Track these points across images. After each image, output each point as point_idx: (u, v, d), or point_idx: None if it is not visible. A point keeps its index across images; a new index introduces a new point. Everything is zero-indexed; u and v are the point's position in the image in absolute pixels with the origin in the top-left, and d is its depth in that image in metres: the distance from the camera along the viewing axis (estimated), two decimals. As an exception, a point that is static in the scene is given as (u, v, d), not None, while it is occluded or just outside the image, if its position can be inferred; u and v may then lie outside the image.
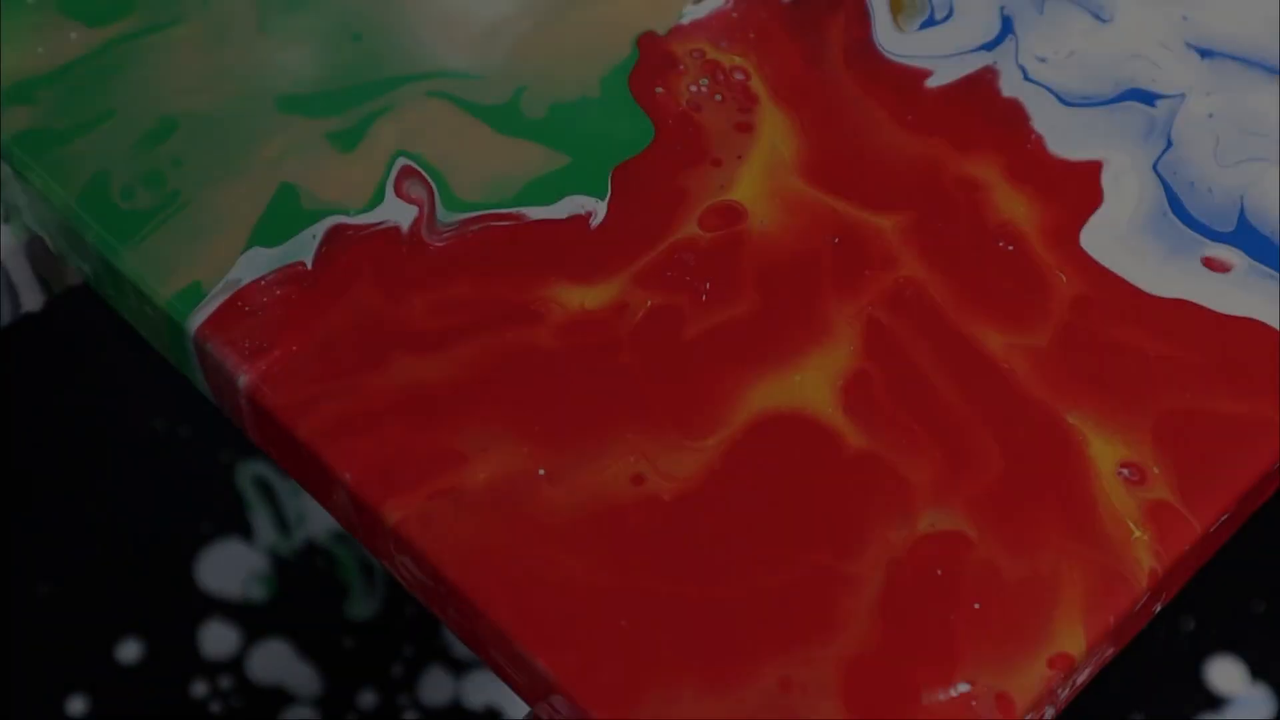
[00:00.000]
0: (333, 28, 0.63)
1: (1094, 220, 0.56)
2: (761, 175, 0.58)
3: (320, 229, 0.57)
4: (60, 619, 1.07)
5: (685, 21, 0.62)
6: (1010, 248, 0.56)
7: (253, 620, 1.07)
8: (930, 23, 0.62)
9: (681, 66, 0.61)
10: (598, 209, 0.57)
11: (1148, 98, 0.60)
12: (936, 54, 0.61)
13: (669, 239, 0.56)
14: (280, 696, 1.04)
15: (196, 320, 0.55)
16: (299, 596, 1.07)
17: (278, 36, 0.62)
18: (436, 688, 1.04)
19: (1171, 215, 0.57)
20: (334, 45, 0.62)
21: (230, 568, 1.09)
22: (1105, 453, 0.51)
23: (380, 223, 0.57)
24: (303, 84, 0.61)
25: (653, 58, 0.61)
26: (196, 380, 0.57)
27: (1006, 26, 0.62)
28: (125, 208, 0.57)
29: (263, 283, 0.55)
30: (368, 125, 0.59)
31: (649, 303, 0.54)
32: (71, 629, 1.07)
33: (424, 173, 0.58)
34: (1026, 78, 0.60)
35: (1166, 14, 0.63)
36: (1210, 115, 0.59)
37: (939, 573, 0.49)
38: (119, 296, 0.58)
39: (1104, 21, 0.62)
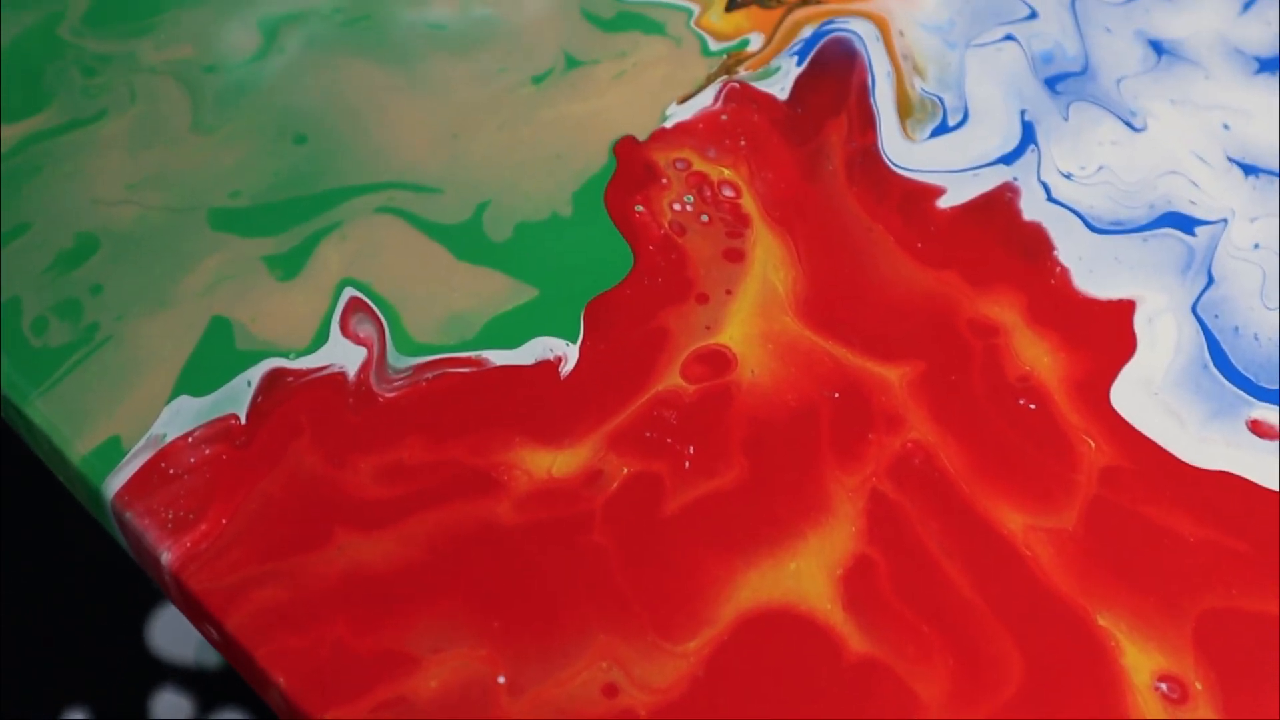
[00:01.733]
0: (274, 126, 0.56)
1: (1126, 373, 0.50)
2: (753, 314, 0.51)
3: (256, 374, 0.50)
4: (4, 684, 1.01)
5: (669, 124, 0.56)
6: (1032, 406, 0.50)
7: (206, 688, 1.02)
8: (943, 128, 0.56)
9: (664, 179, 0.54)
10: (568, 354, 0.51)
11: (1186, 224, 0.54)
12: (949, 168, 0.55)
13: (648, 391, 0.50)
14: (233, 778, 0.98)
15: (114, 484, 0.49)
16: (254, 669, 1.01)
17: (212, 137, 0.56)
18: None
19: (1213, 368, 0.50)
20: (274, 148, 0.55)
21: (183, 631, 1.03)
22: (1141, 663, 0.45)
23: (324, 368, 0.51)
24: (239, 195, 0.55)
25: (632, 168, 0.55)
26: (118, 539, 0.50)
27: (1028, 134, 0.56)
28: (37, 344, 0.51)
29: (190, 440, 0.49)
30: (311, 247, 0.53)
31: (625, 470, 0.48)
32: (16, 695, 1.01)
33: (374, 306, 0.52)
34: (1050, 198, 0.54)
35: (1205, 121, 0.56)
36: (1256, 245, 0.53)
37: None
38: (31, 439, 0.52)
39: (1136, 130, 0.56)
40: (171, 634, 1.01)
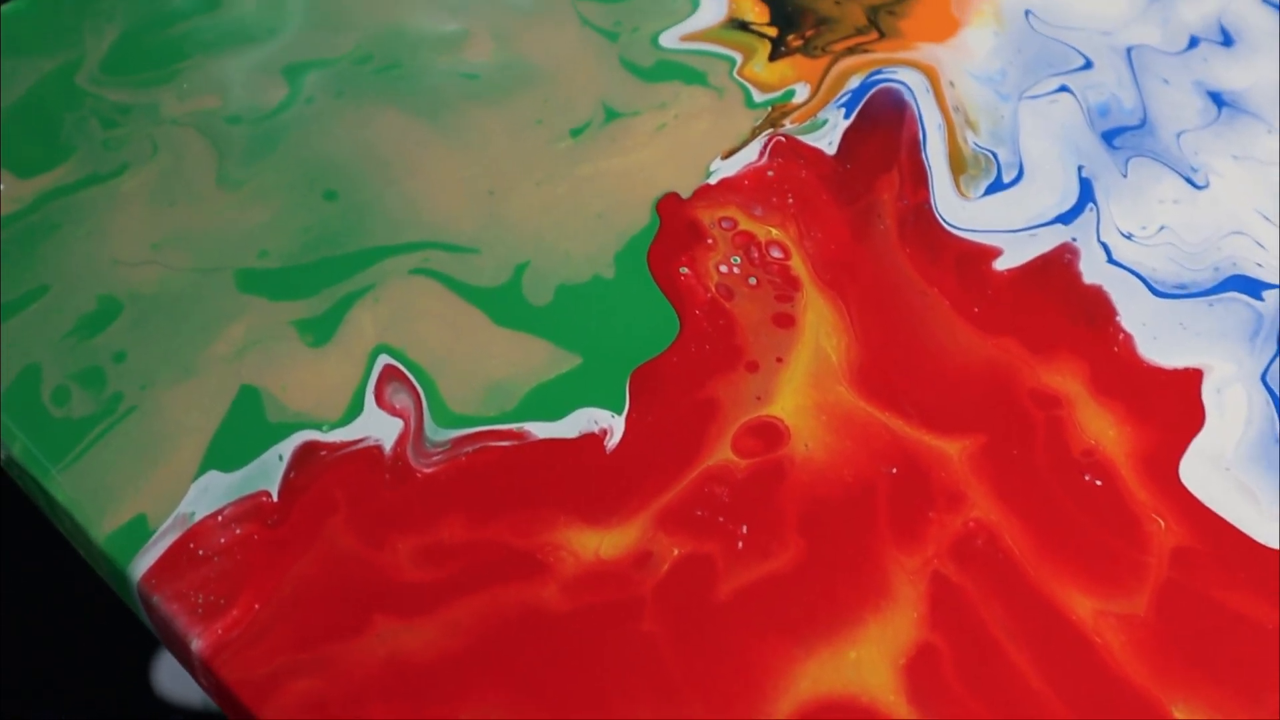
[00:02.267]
0: (302, 181, 0.54)
1: (1196, 446, 0.49)
2: (805, 384, 0.50)
3: (288, 448, 0.48)
4: (2, 728, 0.99)
5: (713, 181, 0.54)
6: (1098, 482, 0.48)
7: (213, 732, 0.99)
8: (997, 185, 0.54)
9: (710, 239, 0.53)
10: (614, 426, 0.49)
11: (1253, 287, 0.52)
12: (1006, 227, 0.53)
13: (698, 467, 0.48)
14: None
15: (141, 565, 0.47)
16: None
17: (238, 193, 0.54)
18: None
19: (1285, 442, 0.49)
20: (304, 205, 0.54)
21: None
22: (1219, 761, 0.43)
23: (359, 441, 0.49)
24: (268, 255, 0.52)
25: (675, 227, 0.53)
26: (144, 621, 0.49)
27: (1086, 192, 0.54)
28: (58, 415, 0.49)
29: (220, 518, 0.47)
30: (344, 311, 0.51)
31: (675, 551, 0.46)
32: (15, 737, 0.99)
33: (410, 375, 0.50)
34: (1111, 259, 0.52)
35: (1269, 178, 0.55)
36: (1326, 311, 0.52)
37: None
38: (53, 514, 0.50)
39: (1198, 187, 0.54)
40: (179, 676, 0.99)
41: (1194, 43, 0.59)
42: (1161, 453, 0.50)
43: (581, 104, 0.57)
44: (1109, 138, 0.56)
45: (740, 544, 0.48)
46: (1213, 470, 0.49)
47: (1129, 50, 0.58)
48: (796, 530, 0.48)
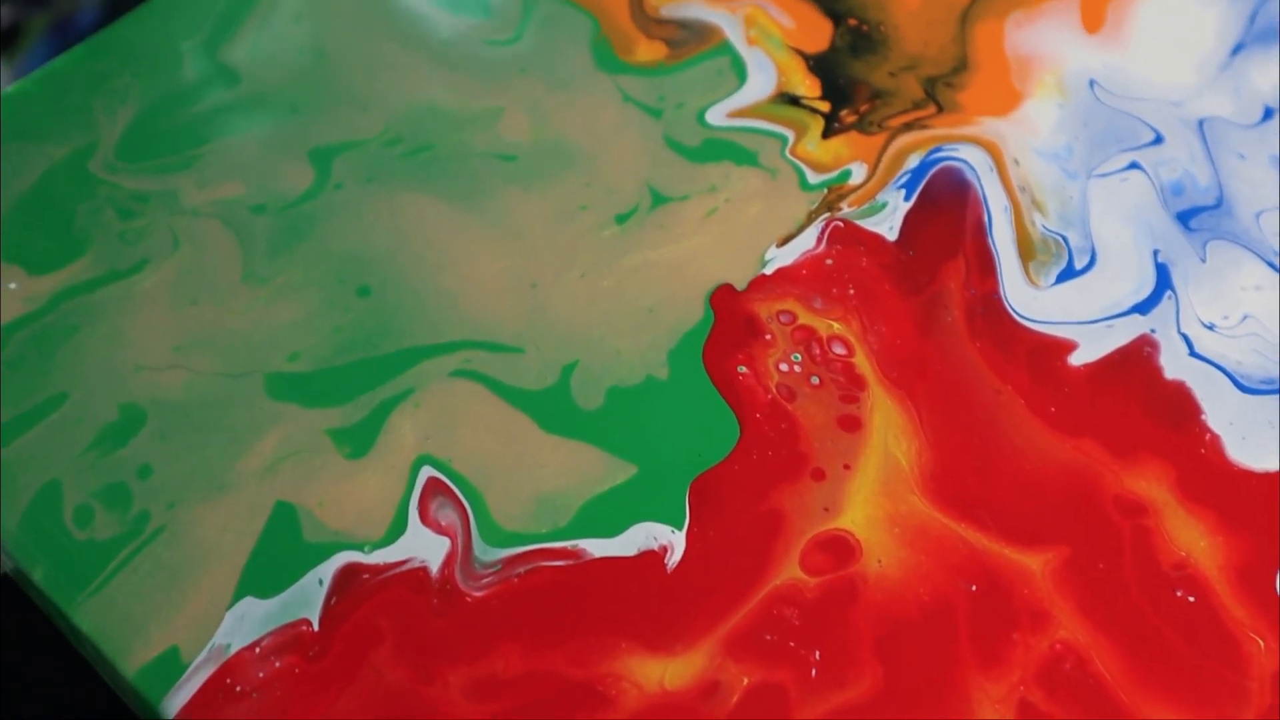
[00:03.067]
0: (333, 276, 0.52)
1: (1291, 557, 0.46)
2: (875, 493, 0.47)
3: (328, 571, 0.46)
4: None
5: (769, 270, 0.52)
6: (1191, 599, 0.46)
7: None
8: (1069, 272, 0.52)
9: (768, 335, 0.50)
10: (674, 542, 0.46)
11: (1344, 381, 0.50)
12: (1080, 318, 0.51)
13: (765, 586, 0.46)
14: None
15: (175, 703, 0.44)
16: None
17: (266, 288, 0.52)
18: None
19: (1387, 551, 0.46)
20: (336, 301, 0.51)
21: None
22: None
23: (404, 562, 0.46)
24: (298, 358, 0.50)
25: (731, 322, 0.51)
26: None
27: (1163, 279, 0.52)
28: (81, 538, 0.47)
29: (258, 650, 0.45)
30: (382, 419, 0.49)
31: (745, 680, 0.44)
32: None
33: (456, 489, 0.47)
34: (1193, 352, 0.50)
35: (1355, 260, 0.52)
36: None
37: None
38: (78, 644, 0.48)
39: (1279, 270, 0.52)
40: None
41: (1269, 114, 0.56)
42: (1257, 565, 0.47)
43: (627, 187, 0.55)
44: (1184, 219, 0.54)
45: (814, 671, 0.45)
46: (1312, 583, 0.47)
47: (1201, 123, 0.56)
48: (873, 655, 0.46)
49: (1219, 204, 0.54)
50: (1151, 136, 0.56)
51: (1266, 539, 0.48)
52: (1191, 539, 0.48)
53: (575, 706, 0.45)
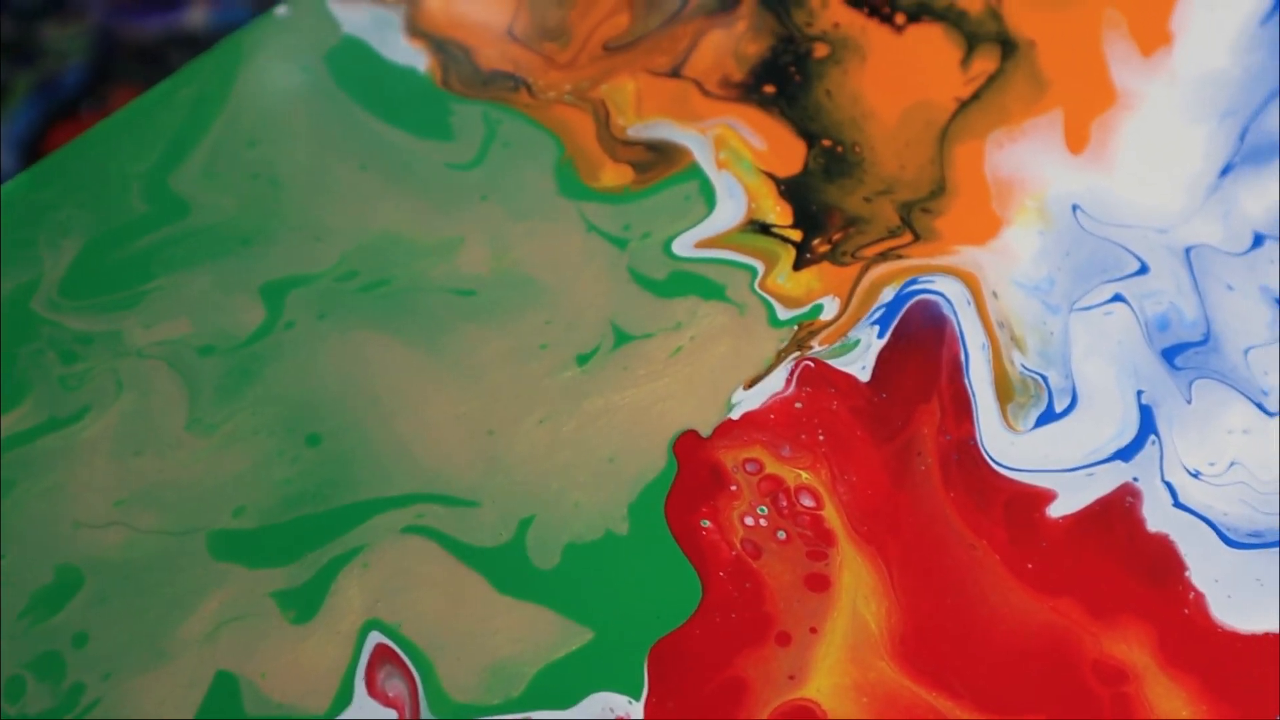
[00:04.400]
0: (282, 424, 0.51)
1: (1279, 729, 0.45)
2: (842, 659, 0.46)
3: (269, 747, 0.45)
4: None
5: (735, 415, 0.51)
6: (1173, 775, 0.44)
7: None
8: (1049, 415, 0.51)
9: (734, 486, 0.49)
10: (631, 714, 0.45)
11: (1335, 534, 0.48)
12: (1059, 466, 0.50)
13: (726, 763, 0.45)
14: None
15: None
16: None
17: (211, 438, 0.51)
18: None
19: (1380, 721, 0.45)
20: (284, 451, 0.50)
21: None
22: None
23: (348, 736, 0.45)
24: (244, 513, 0.49)
25: (695, 472, 0.50)
26: None
27: (1147, 422, 0.51)
28: (12, 714, 0.46)
29: (194, 835, 0.44)
30: (329, 580, 0.48)
31: None
32: None
33: (405, 657, 0.47)
34: (1177, 502, 0.49)
35: (1348, 399, 0.51)
36: None
37: None
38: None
39: (1270, 414, 0.51)
40: None
41: (1259, 241, 0.55)
42: (1242, 737, 0.46)
43: (589, 325, 0.54)
44: (1170, 356, 0.53)
45: None
46: (1300, 757, 0.46)
47: (1188, 251, 0.55)
48: (838, 839, 0.44)
49: (1206, 339, 0.53)
50: (1136, 266, 0.55)
51: (1252, 707, 0.47)
52: (1174, 708, 0.47)
53: None
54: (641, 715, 0.47)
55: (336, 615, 0.49)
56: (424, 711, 0.47)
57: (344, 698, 0.47)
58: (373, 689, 0.47)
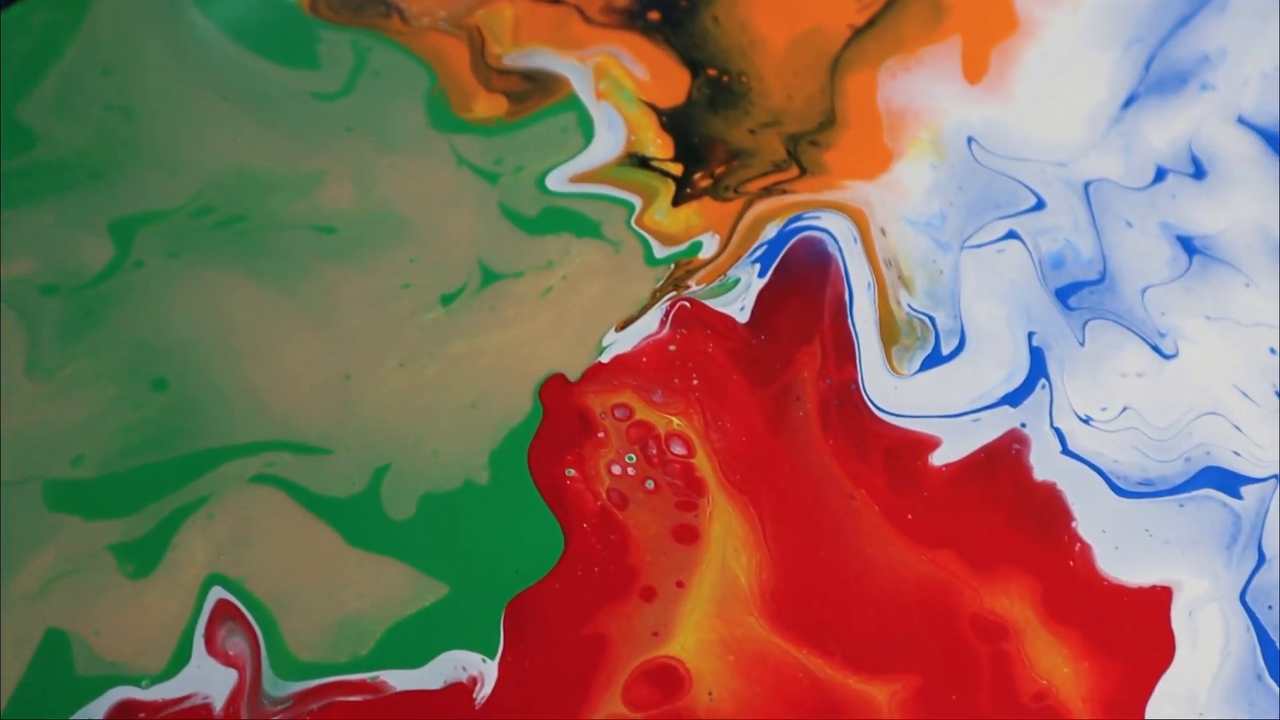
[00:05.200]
0: (126, 368, 0.49)
1: (1165, 685, 0.44)
2: (709, 615, 0.44)
3: (100, 709, 0.44)
4: None
5: (606, 358, 0.49)
6: (1051, 734, 0.43)
7: None
8: (935, 358, 0.49)
9: (601, 433, 0.47)
10: (485, 673, 0.44)
11: (1229, 482, 0.47)
12: (944, 411, 0.48)
13: (583, 724, 0.43)
14: None
15: None
16: None
17: (51, 383, 0.49)
18: None
19: (1268, 677, 0.44)
20: (127, 397, 0.48)
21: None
22: None
23: (185, 698, 0.44)
24: (82, 462, 0.47)
25: (562, 418, 0.48)
26: None
27: (1037, 365, 0.49)
28: None
29: (17, 803, 0.42)
30: (171, 532, 0.46)
31: (555, 834, 0.41)
32: None
33: (247, 614, 0.45)
34: (1066, 449, 0.47)
35: (1247, 344, 0.49)
36: (1315, 510, 0.47)
37: None
38: None
39: (1166, 356, 0.49)
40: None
41: (1161, 175, 0.53)
42: (1125, 694, 0.45)
43: (455, 264, 0.52)
44: (1064, 295, 0.51)
45: (631, 823, 0.42)
46: (1185, 714, 0.44)
47: (1086, 185, 0.53)
48: (698, 803, 0.43)
49: (1102, 278, 0.51)
50: (1032, 201, 0.53)
51: (1137, 664, 0.45)
52: (1054, 665, 0.45)
53: None
54: (495, 674, 0.45)
55: (177, 569, 0.46)
56: (266, 671, 0.45)
57: (182, 656, 0.45)
58: (212, 647, 0.45)
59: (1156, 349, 0.50)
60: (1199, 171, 0.54)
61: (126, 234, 0.53)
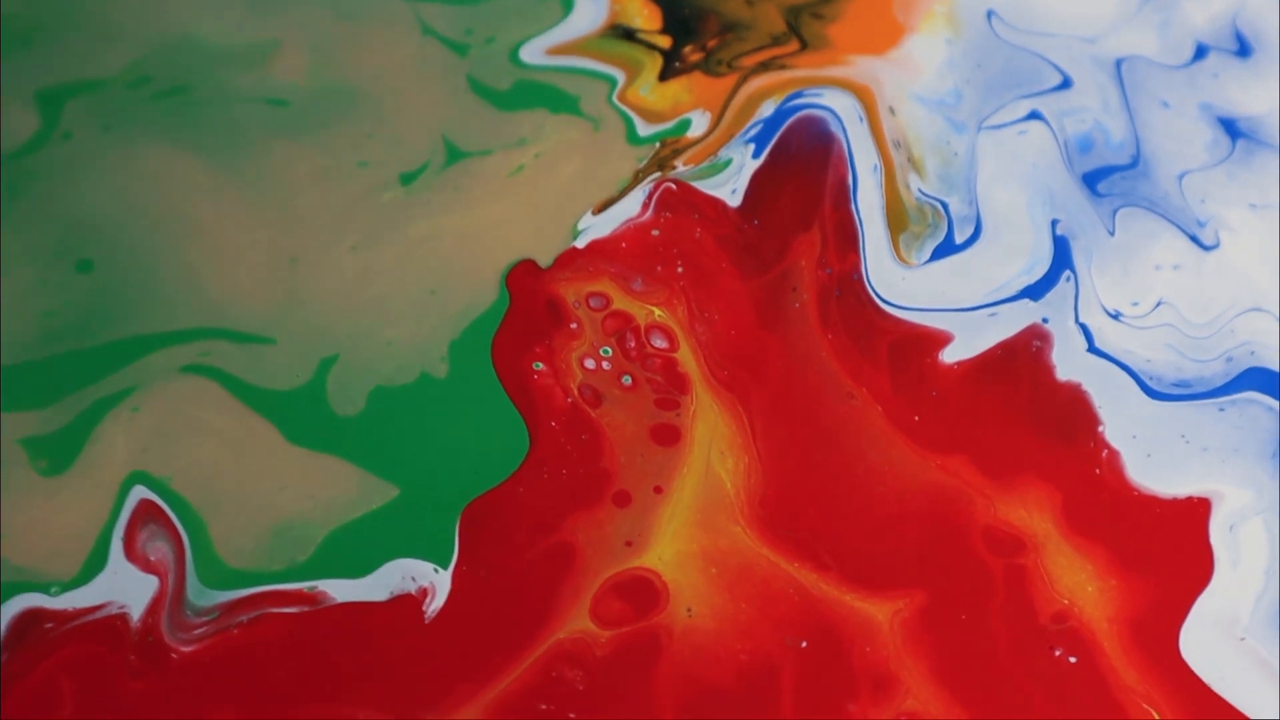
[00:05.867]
0: (49, 246, 0.44)
1: (1201, 607, 0.39)
2: (691, 523, 0.40)
3: (3, 617, 0.38)
4: None
5: (581, 243, 0.44)
6: (1072, 659, 0.38)
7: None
8: (948, 247, 0.44)
9: (574, 323, 0.43)
10: (437, 584, 0.39)
11: (1274, 384, 0.42)
12: (956, 304, 0.43)
13: (546, 641, 0.39)
14: None
15: None
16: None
17: (-34, 263, 0.44)
18: None
19: (1319, 600, 0.39)
20: (49, 278, 0.44)
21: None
22: None
23: (99, 607, 0.39)
24: (-2, 349, 0.42)
25: (530, 308, 0.43)
26: None
27: (1062, 256, 0.44)
28: None
29: (-94, 720, 0.37)
30: (91, 426, 0.42)
31: (511, 762, 0.37)
32: None
33: (172, 516, 0.40)
34: (1092, 347, 0.43)
35: (1297, 233, 0.45)
36: (1370, 416, 0.42)
37: None
38: None
39: (1206, 248, 0.44)
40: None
41: (1202, 52, 0.48)
42: (1156, 616, 0.40)
43: (416, 140, 0.47)
44: (1091, 181, 0.46)
45: (597, 751, 0.38)
46: (1224, 640, 0.39)
47: (1118, 63, 0.48)
48: (672, 730, 0.38)
49: (1134, 163, 0.46)
50: (1058, 80, 0.48)
51: (1170, 583, 0.40)
52: (1077, 582, 0.40)
53: (296, 794, 0.37)
54: (448, 586, 0.40)
55: (96, 467, 0.42)
56: (191, 579, 0.40)
57: (97, 561, 0.40)
58: (131, 552, 0.41)
59: (1195, 239, 0.45)
60: (1243, 49, 0.49)
61: (55, 104, 0.48)
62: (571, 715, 0.39)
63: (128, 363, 0.44)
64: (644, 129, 0.48)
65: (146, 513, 0.41)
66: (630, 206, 0.46)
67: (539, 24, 0.50)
